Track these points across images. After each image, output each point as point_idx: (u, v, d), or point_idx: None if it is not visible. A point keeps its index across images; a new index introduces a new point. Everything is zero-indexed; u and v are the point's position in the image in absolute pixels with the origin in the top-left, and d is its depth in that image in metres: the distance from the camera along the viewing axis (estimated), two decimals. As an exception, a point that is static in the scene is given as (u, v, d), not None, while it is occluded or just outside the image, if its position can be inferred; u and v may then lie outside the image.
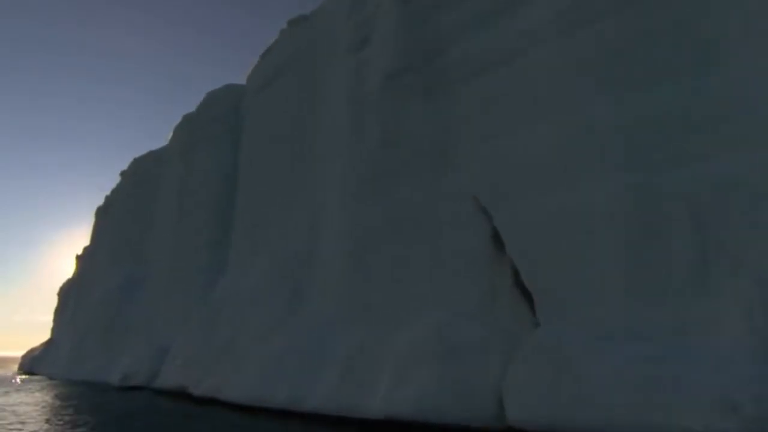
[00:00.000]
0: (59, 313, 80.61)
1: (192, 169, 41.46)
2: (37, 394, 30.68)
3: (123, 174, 59.74)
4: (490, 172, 17.58)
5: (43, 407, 22.75)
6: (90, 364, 48.26)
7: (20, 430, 16.09)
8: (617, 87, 15.38)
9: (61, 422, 17.95)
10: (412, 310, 18.02)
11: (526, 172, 16.47)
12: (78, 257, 78.87)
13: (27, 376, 65.45)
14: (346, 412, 16.97)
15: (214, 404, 22.52)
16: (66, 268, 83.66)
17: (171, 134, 48.67)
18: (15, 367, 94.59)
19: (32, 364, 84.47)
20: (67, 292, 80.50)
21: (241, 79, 42.38)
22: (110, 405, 23.72)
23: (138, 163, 55.36)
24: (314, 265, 24.71)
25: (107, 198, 65.81)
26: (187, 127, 43.92)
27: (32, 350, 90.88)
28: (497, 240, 16.67)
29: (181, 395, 26.66)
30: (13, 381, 51.71)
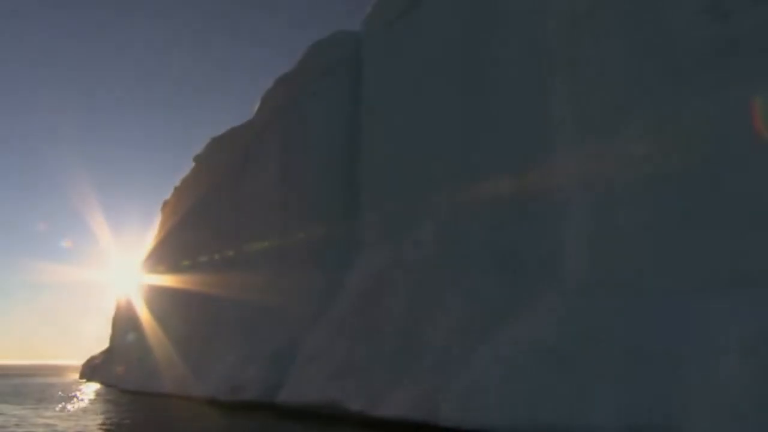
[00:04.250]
0: (119, 320, 75.35)
1: (297, 135, 34.17)
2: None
3: (197, 158, 53.21)
4: None
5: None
6: (170, 373, 41.45)
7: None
8: None
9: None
10: None
11: None
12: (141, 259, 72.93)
13: (101, 386, 59.98)
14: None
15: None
16: (116, 273, 77.98)
17: (257, 105, 41.80)
18: (74, 376, 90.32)
19: (93, 373, 79.62)
20: (129, 297, 74.77)
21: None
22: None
23: (217, 143, 48.65)
24: (542, 218, 16.59)
25: (176, 189, 59.54)
26: (286, 88, 36.76)
27: (92, 359, 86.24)
28: None
29: (346, 416, 18.67)
30: (74, 392, 45.50)
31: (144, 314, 56.58)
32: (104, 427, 19.27)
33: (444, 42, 23.95)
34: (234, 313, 36.05)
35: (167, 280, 51.97)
